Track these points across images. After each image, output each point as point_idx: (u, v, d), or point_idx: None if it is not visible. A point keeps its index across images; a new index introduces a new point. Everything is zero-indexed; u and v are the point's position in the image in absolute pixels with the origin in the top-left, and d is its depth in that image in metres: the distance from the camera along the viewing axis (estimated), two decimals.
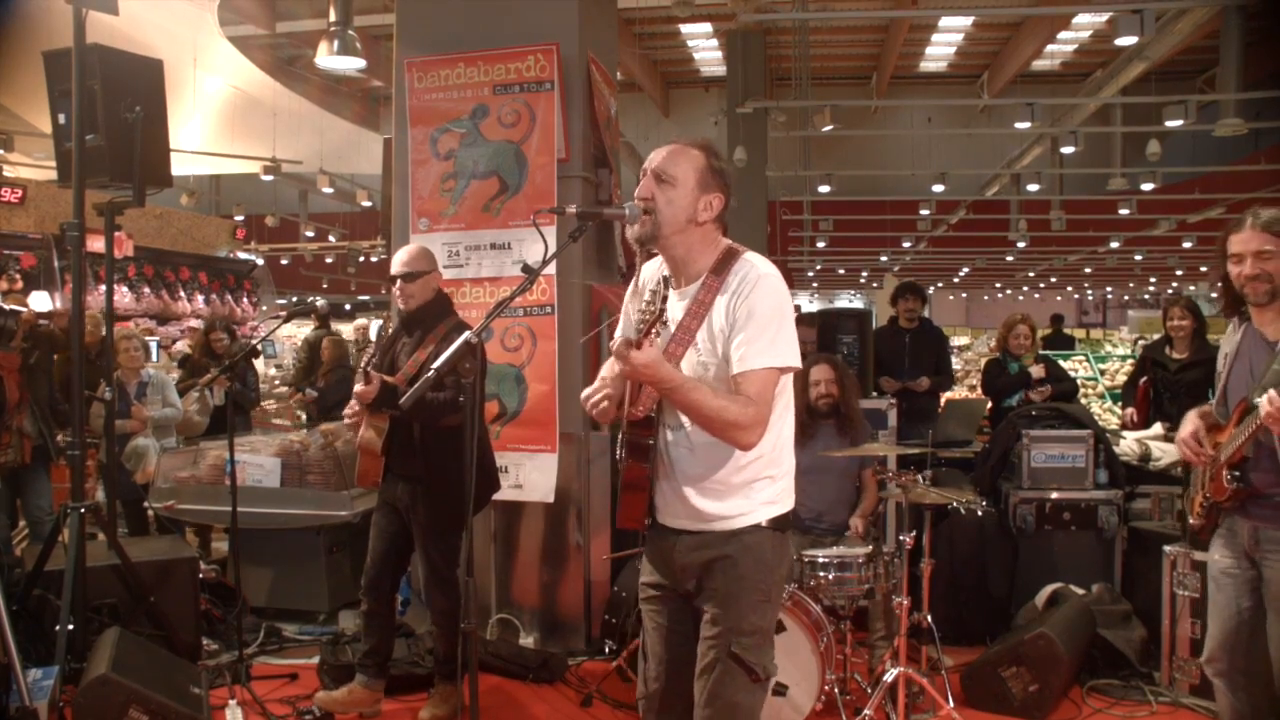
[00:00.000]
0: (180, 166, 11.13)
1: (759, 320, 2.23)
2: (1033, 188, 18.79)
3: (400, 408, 3.35)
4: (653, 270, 2.49)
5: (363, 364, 3.86)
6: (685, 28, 18.09)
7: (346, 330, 12.99)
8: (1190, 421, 2.98)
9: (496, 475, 4.15)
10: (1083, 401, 8.16)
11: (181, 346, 9.93)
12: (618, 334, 2.56)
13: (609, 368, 2.48)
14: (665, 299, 2.12)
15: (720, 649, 2.30)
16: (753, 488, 2.33)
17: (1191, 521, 3.07)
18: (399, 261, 3.87)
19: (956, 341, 18.82)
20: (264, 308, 12.39)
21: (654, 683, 2.45)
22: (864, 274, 32.82)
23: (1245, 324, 2.90)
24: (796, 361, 2.28)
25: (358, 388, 3.70)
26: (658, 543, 2.43)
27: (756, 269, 2.29)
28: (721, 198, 2.34)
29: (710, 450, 2.30)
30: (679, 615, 2.43)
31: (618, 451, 2.38)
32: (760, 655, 2.32)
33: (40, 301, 8.19)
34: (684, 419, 2.32)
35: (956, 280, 34.59)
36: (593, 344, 4.83)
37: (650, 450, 2.33)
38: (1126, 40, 10.17)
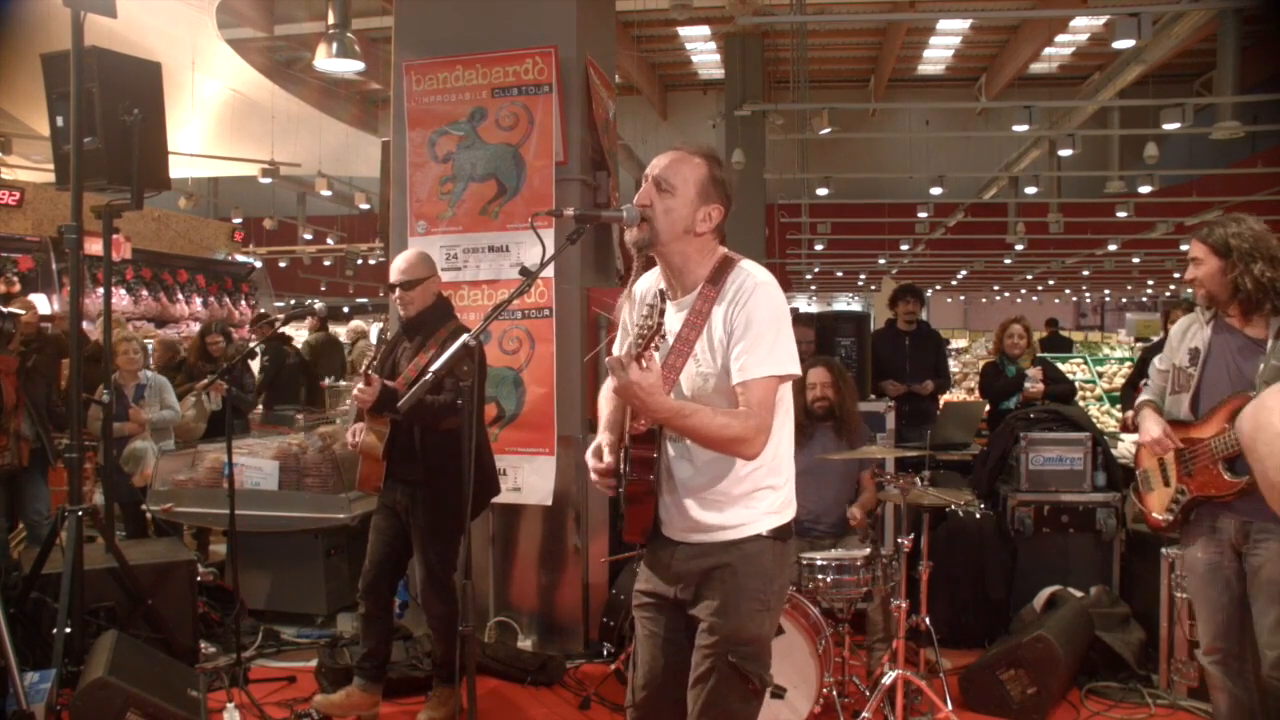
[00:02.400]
0: (178, 169, 11.11)
1: (757, 329, 2.22)
2: (1030, 190, 18.80)
3: (399, 411, 3.35)
4: (649, 283, 2.48)
5: (363, 367, 3.85)
6: (683, 31, 18.12)
7: (342, 334, 12.97)
8: (1155, 421, 3.04)
9: (496, 479, 4.14)
10: (1081, 404, 8.16)
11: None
12: (616, 343, 2.55)
13: (605, 398, 2.48)
14: (663, 313, 2.11)
15: (717, 657, 2.28)
16: (754, 498, 2.31)
17: (1158, 517, 3.10)
18: (397, 269, 3.85)
19: (955, 344, 18.85)
20: (262, 310, 12.39)
21: (642, 691, 2.43)
22: (862, 277, 32.86)
23: (1214, 320, 2.94)
24: (796, 369, 2.27)
25: (356, 391, 3.69)
26: (657, 551, 2.42)
27: (753, 278, 2.28)
28: (721, 209, 2.33)
29: (711, 463, 2.30)
30: (674, 624, 2.41)
31: (621, 466, 2.36)
32: (758, 665, 2.30)
33: (39, 305, 8.18)
34: None
35: (955, 283, 34.63)
36: (591, 348, 4.82)
37: (654, 464, 2.32)
38: (1124, 43, 10.18)
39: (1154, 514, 3.13)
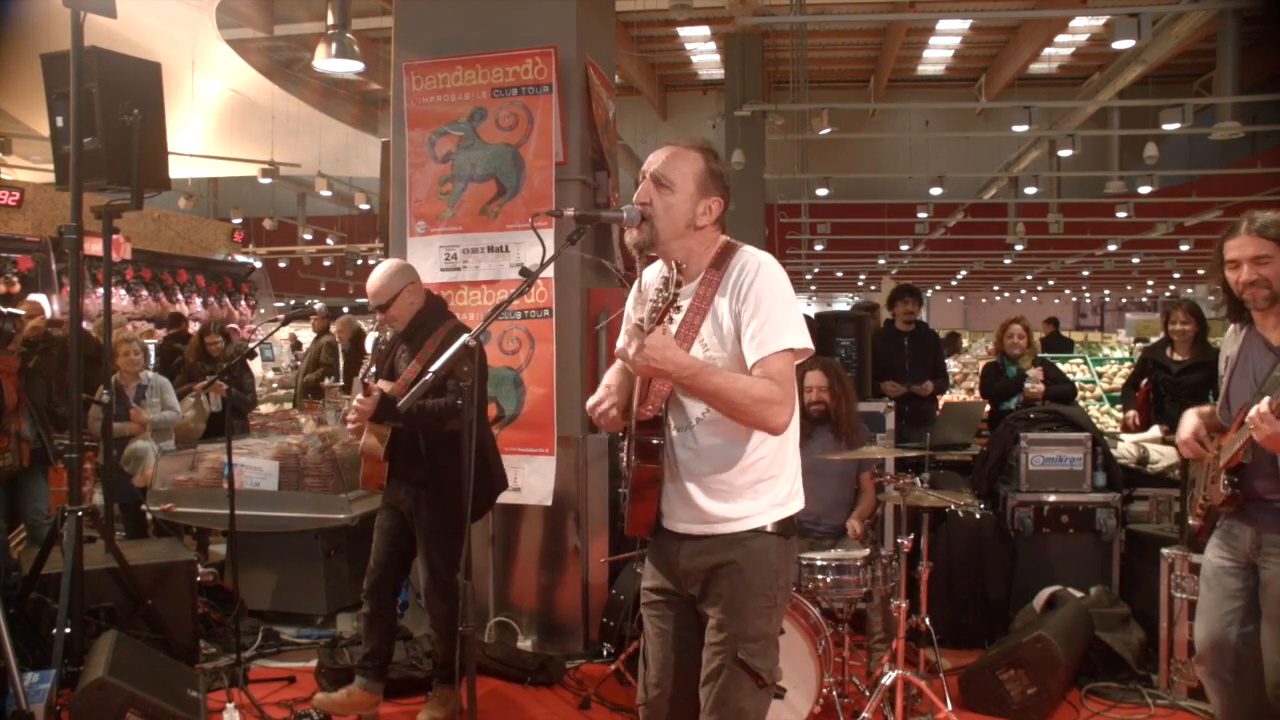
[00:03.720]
0: (178, 169, 11.12)
1: (766, 305, 2.22)
2: (1030, 191, 18.81)
3: (400, 418, 3.31)
4: (654, 272, 2.47)
5: (360, 374, 3.83)
6: (683, 31, 18.11)
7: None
8: (1190, 421, 2.98)
9: (504, 475, 4.10)
10: (1080, 404, 8.16)
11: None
12: (620, 336, 2.54)
13: (612, 375, 2.46)
14: (679, 283, 2.08)
15: (726, 655, 2.28)
16: (758, 488, 2.31)
17: (1191, 523, 3.08)
18: (370, 292, 3.77)
19: None
20: (262, 310, 12.41)
21: (655, 689, 2.42)
22: (862, 277, 32.86)
23: (1247, 328, 2.89)
24: (809, 343, 2.26)
25: (356, 401, 3.67)
26: (661, 547, 2.41)
27: (755, 258, 2.29)
28: (720, 201, 2.33)
29: (715, 450, 2.29)
30: (682, 620, 2.40)
31: (625, 456, 2.34)
32: (766, 660, 2.31)
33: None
34: (691, 417, 2.30)
35: (955, 283, 34.63)
36: (590, 348, 4.83)
37: (659, 451, 2.30)
38: (1124, 44, 10.19)
39: (1191, 518, 3.11)
